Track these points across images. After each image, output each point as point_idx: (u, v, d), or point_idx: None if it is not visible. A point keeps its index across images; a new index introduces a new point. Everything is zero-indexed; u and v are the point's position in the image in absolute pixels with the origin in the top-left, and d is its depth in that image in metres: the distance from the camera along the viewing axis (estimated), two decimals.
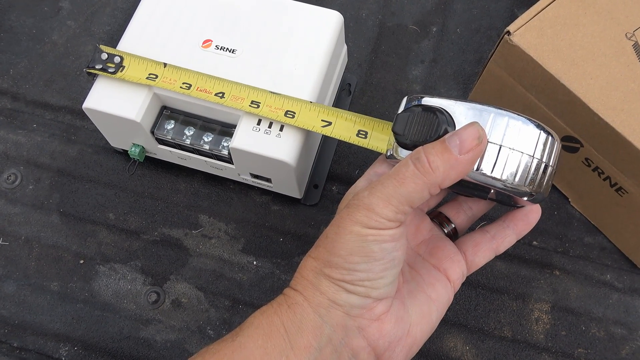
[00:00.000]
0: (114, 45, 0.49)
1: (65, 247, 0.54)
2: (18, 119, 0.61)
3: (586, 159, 0.49)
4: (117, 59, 0.47)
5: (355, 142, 0.42)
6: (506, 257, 0.53)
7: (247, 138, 0.45)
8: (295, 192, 0.52)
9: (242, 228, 0.55)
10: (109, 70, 0.47)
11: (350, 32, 0.64)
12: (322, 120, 0.44)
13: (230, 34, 0.50)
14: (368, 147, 0.42)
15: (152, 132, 0.49)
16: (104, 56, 0.47)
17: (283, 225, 0.55)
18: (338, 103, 0.59)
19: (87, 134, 0.59)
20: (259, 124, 0.46)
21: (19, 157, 0.58)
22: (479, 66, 0.62)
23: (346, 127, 0.43)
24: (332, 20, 0.50)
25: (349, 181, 0.57)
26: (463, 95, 0.61)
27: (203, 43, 0.49)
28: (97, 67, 0.47)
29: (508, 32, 0.47)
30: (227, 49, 0.49)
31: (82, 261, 0.54)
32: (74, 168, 0.58)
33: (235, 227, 0.55)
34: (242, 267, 0.53)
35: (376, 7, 0.66)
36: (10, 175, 0.58)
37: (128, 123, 0.47)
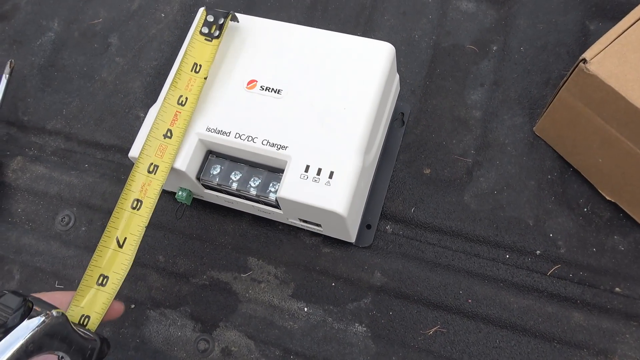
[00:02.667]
0: (161, 80, 0.48)
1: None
2: (71, 159, 0.61)
3: None
4: None
5: None
6: (584, 306, 0.48)
7: (295, 187, 0.43)
8: (347, 237, 0.49)
9: (292, 272, 0.52)
10: None
11: (402, 55, 0.60)
12: None
13: (275, 73, 0.47)
14: None
15: (198, 179, 0.47)
16: None
17: (335, 269, 0.52)
18: (390, 135, 0.55)
19: None
20: (306, 170, 0.43)
21: (72, 198, 0.59)
22: (546, 88, 0.56)
23: None
24: (383, 52, 0.47)
25: (404, 220, 0.53)
26: (529, 122, 0.55)
27: (248, 84, 0.47)
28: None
29: (584, 60, 0.42)
30: (272, 89, 0.47)
31: (133, 306, 0.53)
32: None
33: (284, 271, 0.53)
34: (292, 314, 0.51)
35: (429, 27, 0.61)
36: (64, 217, 0.58)
37: (173, 171, 0.46)
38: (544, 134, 0.53)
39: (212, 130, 0.46)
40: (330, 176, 0.43)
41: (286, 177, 0.43)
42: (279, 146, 0.44)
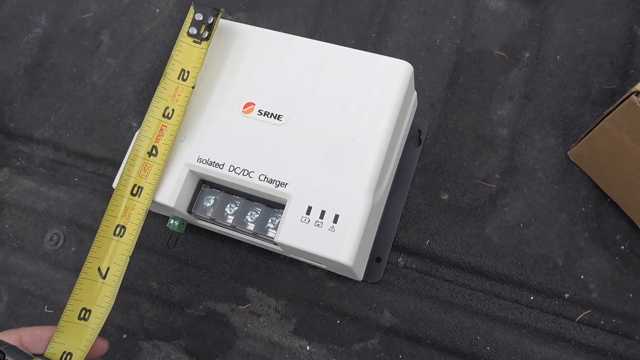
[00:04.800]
0: (156, 85, 0.43)
1: (108, 320, 0.51)
2: (60, 172, 0.57)
3: None
4: None
5: None
6: (616, 358, 0.43)
7: (295, 231, 0.38)
8: (354, 276, 0.45)
9: (294, 306, 0.48)
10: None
11: (421, 63, 0.54)
12: None
13: (276, 95, 0.42)
14: None
15: (190, 212, 0.43)
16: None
17: (340, 306, 0.48)
18: (405, 155, 0.50)
19: None
20: (308, 212, 0.38)
21: (61, 216, 0.55)
22: (584, 106, 0.50)
23: None
24: (400, 73, 0.41)
25: (418, 252, 0.48)
26: (563, 144, 0.49)
27: (245, 107, 0.42)
28: None
29: (637, 93, 0.35)
30: (272, 114, 0.41)
31: (125, 336, 0.50)
32: None
33: (286, 304, 0.49)
34: (293, 353, 0.47)
35: (453, 30, 0.55)
36: (53, 236, 0.54)
37: (163, 206, 0.41)
38: (580, 160, 0.47)
39: (204, 162, 0.41)
40: (335, 220, 0.38)
41: (285, 219, 0.38)
42: (278, 183, 0.39)
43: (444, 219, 0.49)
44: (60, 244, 0.54)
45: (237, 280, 0.50)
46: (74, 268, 0.53)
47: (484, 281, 0.47)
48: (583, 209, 0.47)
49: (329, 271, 0.48)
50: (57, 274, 0.53)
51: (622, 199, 0.45)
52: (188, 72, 0.42)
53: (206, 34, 0.42)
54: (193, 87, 0.42)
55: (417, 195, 0.50)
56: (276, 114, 0.41)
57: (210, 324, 0.49)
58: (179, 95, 0.41)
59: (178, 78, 0.42)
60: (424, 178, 0.50)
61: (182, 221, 0.46)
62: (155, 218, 0.53)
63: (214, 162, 0.40)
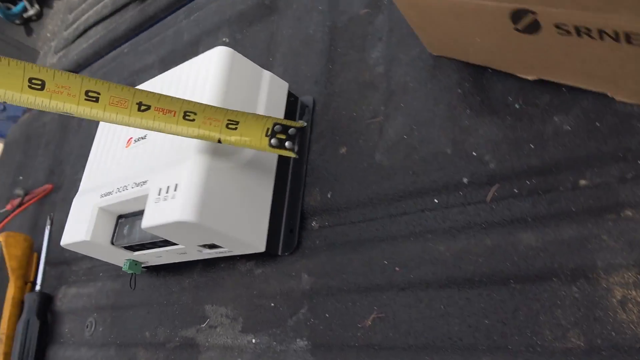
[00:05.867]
0: None
1: None
2: (93, 273, 0.70)
3: (558, 26, 0.31)
4: None
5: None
6: (536, 221, 0.34)
7: (152, 213, 0.42)
8: (253, 246, 0.45)
9: (238, 306, 0.49)
10: None
11: (303, 56, 0.58)
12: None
13: None
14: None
15: (112, 243, 0.50)
16: None
17: (269, 288, 0.47)
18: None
19: None
20: (159, 194, 0.43)
21: (91, 306, 0.66)
22: None
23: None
24: (215, 57, 0.46)
25: (325, 209, 0.47)
26: (426, 48, 0.46)
27: (127, 143, 0.51)
28: None
29: None
30: (141, 137, 0.49)
31: None
32: (121, 300, 0.62)
33: (232, 307, 0.49)
34: (241, 350, 0.46)
35: (322, 18, 0.59)
36: (88, 324, 0.65)
37: (87, 245, 0.50)
38: (437, 48, 0.44)
39: (102, 195, 0.49)
40: (175, 188, 0.41)
41: (146, 207, 0.43)
42: (141, 183, 0.45)
43: (342, 169, 0.47)
44: (93, 329, 0.64)
45: (197, 302, 0.53)
46: (100, 343, 0.62)
47: (387, 206, 0.43)
48: (459, 90, 0.42)
49: (256, 261, 0.49)
50: (90, 352, 0.62)
51: (495, 60, 0.40)
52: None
53: None
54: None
55: (316, 160, 0.50)
56: (143, 135, 0.49)
57: (182, 350, 0.52)
58: None
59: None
60: (322, 143, 0.51)
61: (132, 262, 0.54)
62: (141, 277, 0.60)
63: (106, 192, 0.49)
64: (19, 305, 0.73)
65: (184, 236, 0.44)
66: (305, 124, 0.47)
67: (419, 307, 0.37)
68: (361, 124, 0.49)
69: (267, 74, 0.50)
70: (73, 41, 1.05)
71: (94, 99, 0.36)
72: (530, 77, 0.38)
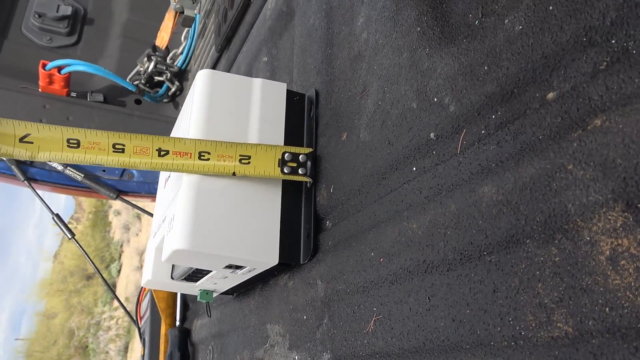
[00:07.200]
0: None
1: None
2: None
3: None
4: None
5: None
6: (498, 165, 0.25)
7: (164, 247, 0.44)
8: (265, 262, 0.43)
9: (285, 323, 0.47)
10: None
11: (299, 58, 0.54)
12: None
13: None
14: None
15: (172, 277, 0.54)
16: None
17: (298, 300, 0.44)
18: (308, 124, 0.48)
19: None
20: (168, 226, 0.44)
21: (209, 334, 0.72)
22: None
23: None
24: (198, 81, 0.47)
25: (333, 205, 0.42)
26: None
27: (164, 183, 0.54)
28: None
29: None
30: (169, 177, 0.52)
31: None
32: (222, 327, 0.66)
33: (282, 325, 0.48)
34: None
35: (317, 6, 0.55)
36: (208, 352, 0.71)
37: (155, 282, 0.54)
38: None
39: (154, 236, 0.53)
40: (172, 219, 0.43)
41: (164, 241, 0.45)
42: (165, 219, 0.48)
43: (340, 157, 0.43)
44: (211, 356, 0.70)
45: (261, 322, 0.53)
46: None
47: (376, 187, 0.37)
48: (419, 29, 0.34)
49: (290, 274, 0.47)
50: None
51: None
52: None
53: None
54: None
55: (322, 153, 0.46)
56: (169, 175, 0.52)
57: None
58: None
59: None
60: (327, 135, 0.46)
61: (205, 292, 0.57)
62: (227, 303, 0.63)
63: (154, 232, 0.53)
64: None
65: (199, 262, 0.45)
66: (311, 150, 0.45)
67: (408, 302, 0.30)
68: (355, 102, 0.43)
69: (257, 82, 0.48)
70: None
71: (121, 150, 0.41)
72: None
